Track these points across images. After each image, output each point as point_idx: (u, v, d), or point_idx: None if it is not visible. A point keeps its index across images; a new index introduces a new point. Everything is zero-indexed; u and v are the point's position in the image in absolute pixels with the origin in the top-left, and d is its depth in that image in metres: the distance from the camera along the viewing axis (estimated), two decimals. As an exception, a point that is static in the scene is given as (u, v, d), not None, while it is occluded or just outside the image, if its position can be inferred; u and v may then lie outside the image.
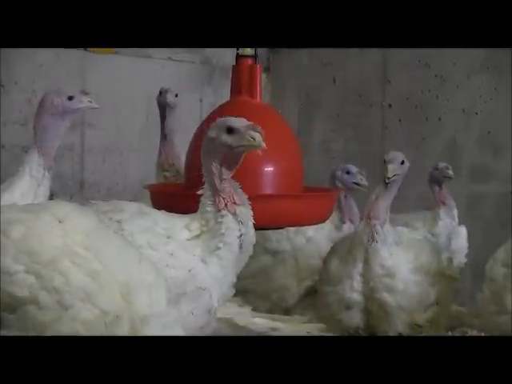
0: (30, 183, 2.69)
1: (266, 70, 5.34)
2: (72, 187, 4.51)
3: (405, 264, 3.01)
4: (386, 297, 2.98)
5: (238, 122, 2.28)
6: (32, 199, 2.66)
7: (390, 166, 2.97)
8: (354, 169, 3.82)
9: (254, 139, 2.23)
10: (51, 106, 2.71)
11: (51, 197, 2.87)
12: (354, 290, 3.02)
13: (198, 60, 5.08)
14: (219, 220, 2.26)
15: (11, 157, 4.14)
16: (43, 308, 1.83)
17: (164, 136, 3.71)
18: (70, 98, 2.72)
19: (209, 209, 2.28)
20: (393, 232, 3.05)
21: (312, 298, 3.97)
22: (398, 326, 3.00)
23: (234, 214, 2.27)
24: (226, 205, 2.27)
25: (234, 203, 2.27)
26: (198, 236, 2.27)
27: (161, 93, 3.71)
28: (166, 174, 3.64)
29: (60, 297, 1.84)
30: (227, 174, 2.29)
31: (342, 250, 3.14)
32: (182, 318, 2.12)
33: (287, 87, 5.35)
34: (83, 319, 1.84)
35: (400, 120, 4.86)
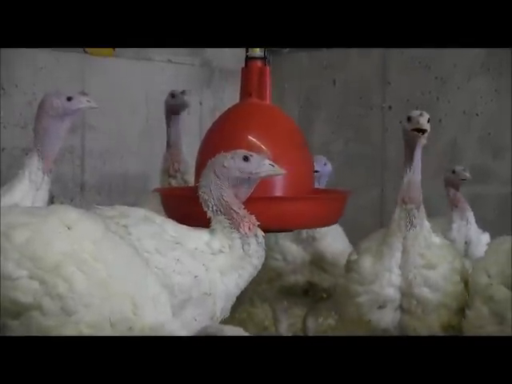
0: (29, 187, 2.69)
1: (266, 71, 5.35)
2: (72, 190, 4.51)
3: (445, 263, 2.85)
4: (426, 292, 2.80)
5: (251, 152, 2.36)
6: (31, 203, 2.66)
7: (422, 118, 2.91)
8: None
9: (272, 166, 2.33)
10: (51, 107, 2.72)
11: (52, 199, 2.87)
12: (391, 285, 2.80)
13: (197, 62, 5.08)
14: (247, 242, 2.31)
15: (12, 159, 4.14)
16: (47, 314, 1.83)
17: (169, 141, 3.61)
18: (69, 99, 2.73)
19: (234, 235, 2.31)
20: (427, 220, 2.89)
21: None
22: (436, 326, 2.80)
23: (256, 236, 2.33)
24: (249, 228, 2.31)
25: (254, 225, 2.32)
26: (216, 253, 2.30)
27: (173, 95, 3.59)
28: (172, 181, 3.56)
29: (64, 303, 1.84)
30: (241, 200, 2.35)
31: (372, 245, 2.94)
32: (186, 324, 2.13)
33: (287, 89, 5.34)
34: (88, 321, 1.84)
35: (400, 122, 4.81)
